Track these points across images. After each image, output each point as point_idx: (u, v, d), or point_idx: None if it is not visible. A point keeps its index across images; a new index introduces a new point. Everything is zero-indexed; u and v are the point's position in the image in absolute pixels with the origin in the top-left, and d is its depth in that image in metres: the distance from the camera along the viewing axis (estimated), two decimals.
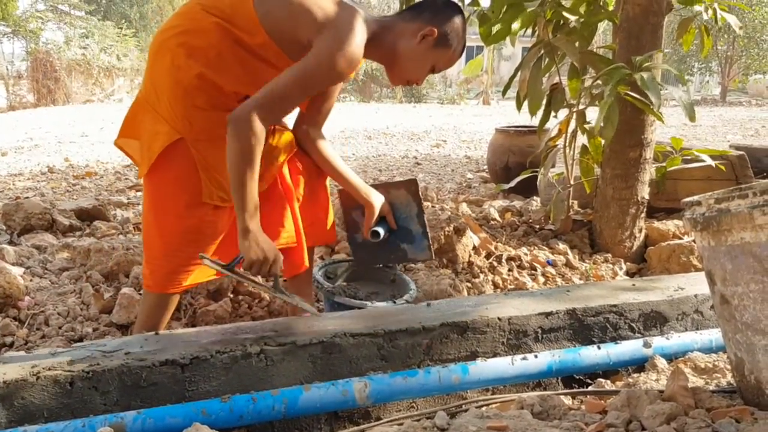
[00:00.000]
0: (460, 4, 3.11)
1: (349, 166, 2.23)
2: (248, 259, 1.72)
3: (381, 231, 2.16)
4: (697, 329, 2.05)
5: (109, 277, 2.63)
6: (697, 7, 3.24)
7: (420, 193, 2.21)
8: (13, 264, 2.65)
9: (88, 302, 2.41)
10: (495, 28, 3.00)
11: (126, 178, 6.09)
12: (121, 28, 23.78)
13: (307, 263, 2.20)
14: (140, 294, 2.39)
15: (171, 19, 1.91)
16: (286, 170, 2.09)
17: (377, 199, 2.17)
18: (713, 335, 1.93)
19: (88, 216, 3.65)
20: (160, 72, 1.85)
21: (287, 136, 2.06)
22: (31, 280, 2.56)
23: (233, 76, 1.83)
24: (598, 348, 1.81)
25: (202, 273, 2.01)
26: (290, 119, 2.13)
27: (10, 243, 3.05)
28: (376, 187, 2.21)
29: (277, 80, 1.73)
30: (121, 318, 2.29)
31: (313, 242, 2.28)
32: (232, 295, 2.57)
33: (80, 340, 2.19)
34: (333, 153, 2.17)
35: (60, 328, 2.25)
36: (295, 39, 1.80)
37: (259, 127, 1.70)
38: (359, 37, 1.78)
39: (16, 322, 2.27)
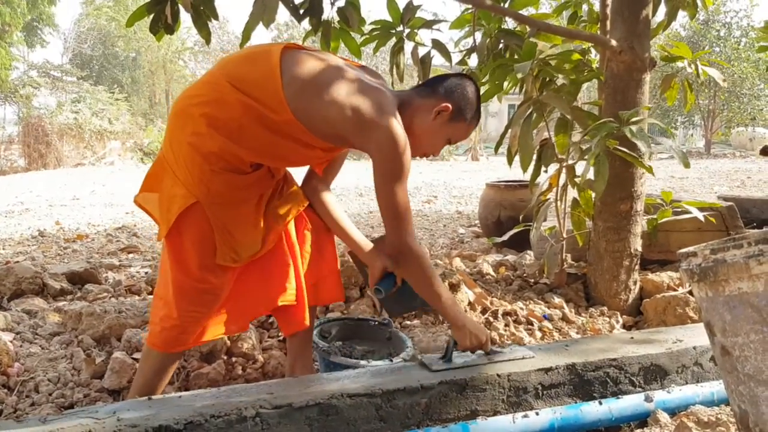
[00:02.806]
0: (456, 67, 3.19)
1: None
2: (464, 346, 1.96)
3: (382, 289, 2.03)
4: (698, 382, 2.03)
5: (100, 341, 2.59)
6: (680, 63, 3.33)
7: None
8: (2, 330, 2.61)
9: (80, 367, 2.36)
10: (484, 88, 3.07)
11: (117, 241, 6.06)
12: (113, 93, 24.07)
13: (307, 322, 2.16)
14: (132, 358, 2.35)
15: (195, 87, 1.92)
16: (292, 227, 2.09)
17: (378, 258, 2.05)
18: (715, 388, 1.91)
19: (79, 279, 3.62)
20: (179, 137, 1.86)
21: (295, 194, 2.08)
22: (21, 346, 2.51)
23: (253, 149, 1.86)
24: (600, 403, 1.79)
25: (208, 333, 2.00)
26: (298, 174, 2.15)
27: (0, 308, 3.01)
28: (375, 241, 2.12)
29: (386, 205, 1.85)
30: (113, 383, 2.25)
31: (318, 301, 2.25)
32: (225, 357, 2.53)
33: (71, 406, 2.14)
34: (339, 209, 2.15)
35: (50, 394, 2.20)
36: (324, 124, 1.83)
37: (418, 247, 1.90)
38: (397, 118, 1.83)
39: (5, 390, 2.21)
